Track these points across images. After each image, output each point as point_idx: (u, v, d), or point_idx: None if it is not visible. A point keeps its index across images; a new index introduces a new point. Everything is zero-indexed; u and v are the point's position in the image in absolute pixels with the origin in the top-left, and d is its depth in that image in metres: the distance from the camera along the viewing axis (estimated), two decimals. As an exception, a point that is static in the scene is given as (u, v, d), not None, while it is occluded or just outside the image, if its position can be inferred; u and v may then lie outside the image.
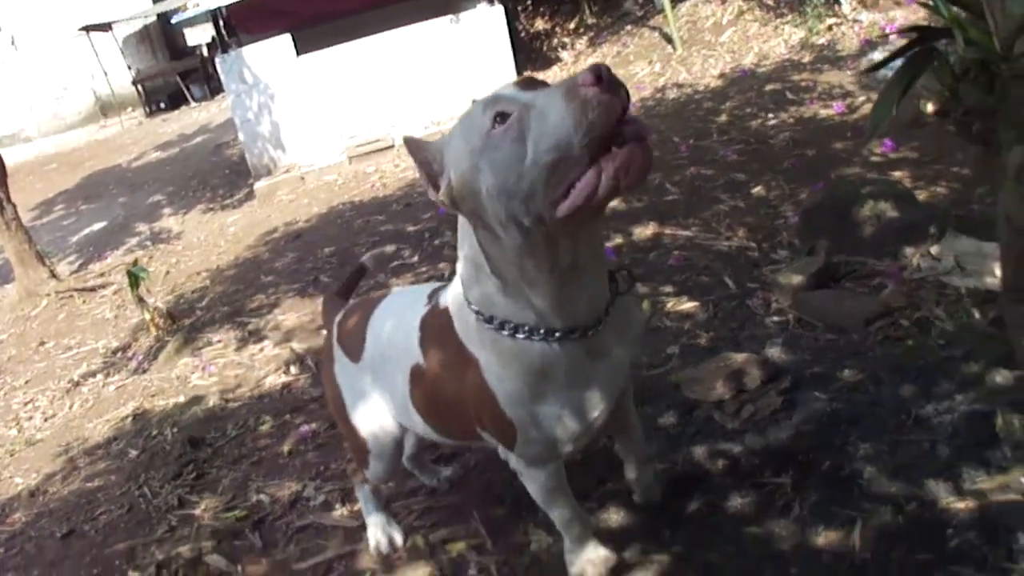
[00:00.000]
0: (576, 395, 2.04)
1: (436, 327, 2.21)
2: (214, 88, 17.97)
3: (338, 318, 2.82)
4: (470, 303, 2.01)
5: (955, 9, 2.61)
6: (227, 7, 10.32)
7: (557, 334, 1.93)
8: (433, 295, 2.34)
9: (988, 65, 2.49)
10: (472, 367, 2.06)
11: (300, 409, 4.23)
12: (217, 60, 10.29)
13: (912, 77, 2.62)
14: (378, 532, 2.91)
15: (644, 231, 5.09)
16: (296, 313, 5.72)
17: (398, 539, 2.90)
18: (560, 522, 2.42)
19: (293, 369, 4.78)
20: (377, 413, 2.61)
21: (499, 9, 10.31)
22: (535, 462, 2.21)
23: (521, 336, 1.94)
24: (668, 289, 4.19)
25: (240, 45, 10.28)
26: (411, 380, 2.34)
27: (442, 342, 2.18)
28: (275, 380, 4.72)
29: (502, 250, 1.83)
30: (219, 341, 5.62)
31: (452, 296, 2.15)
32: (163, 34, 20.10)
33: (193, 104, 18.77)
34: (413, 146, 1.86)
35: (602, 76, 1.58)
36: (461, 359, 2.09)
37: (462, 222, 1.93)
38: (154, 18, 18.93)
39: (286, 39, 9.97)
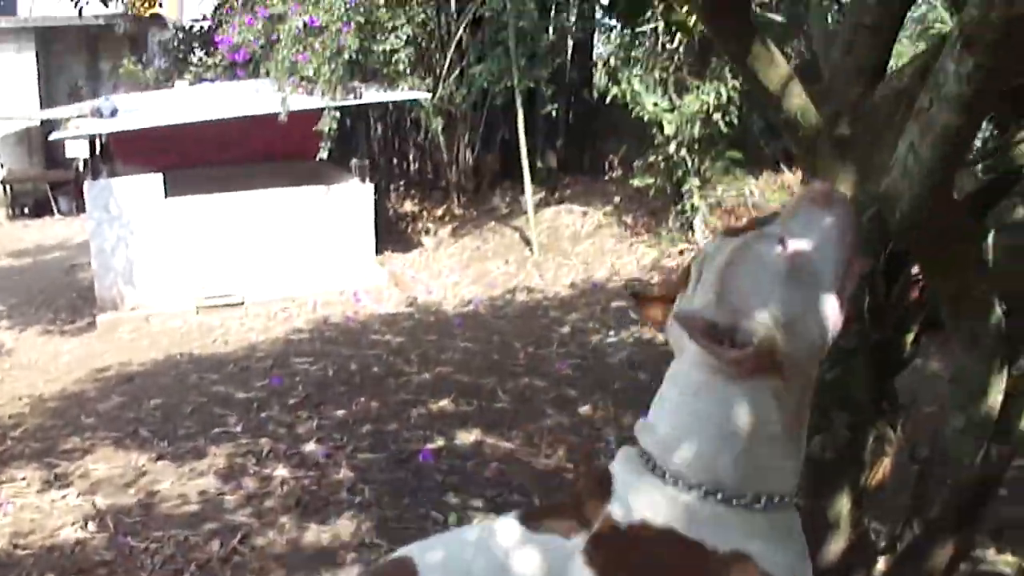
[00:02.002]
0: None
1: (658, 564, 1.58)
2: (82, 205, 17.55)
3: None
4: (722, 493, 1.55)
5: None
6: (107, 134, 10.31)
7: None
8: (536, 533, 1.64)
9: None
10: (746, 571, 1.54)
11: (88, 572, 4.07)
12: (85, 184, 10.21)
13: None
14: None
15: (468, 437, 5.17)
16: (108, 464, 5.54)
17: None
18: None
19: (91, 526, 4.61)
20: None
21: (369, 188, 10.51)
22: None
23: (787, 500, 1.59)
24: (478, 504, 4.24)
25: (113, 173, 10.22)
26: None
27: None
28: (70, 534, 4.55)
29: (787, 402, 1.57)
30: (23, 479, 5.39)
31: (662, 504, 1.58)
32: (43, 140, 19.67)
33: (58, 216, 18.26)
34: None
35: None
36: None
37: (696, 394, 1.59)
38: (38, 123, 18.56)
39: (157, 179, 9.93)
